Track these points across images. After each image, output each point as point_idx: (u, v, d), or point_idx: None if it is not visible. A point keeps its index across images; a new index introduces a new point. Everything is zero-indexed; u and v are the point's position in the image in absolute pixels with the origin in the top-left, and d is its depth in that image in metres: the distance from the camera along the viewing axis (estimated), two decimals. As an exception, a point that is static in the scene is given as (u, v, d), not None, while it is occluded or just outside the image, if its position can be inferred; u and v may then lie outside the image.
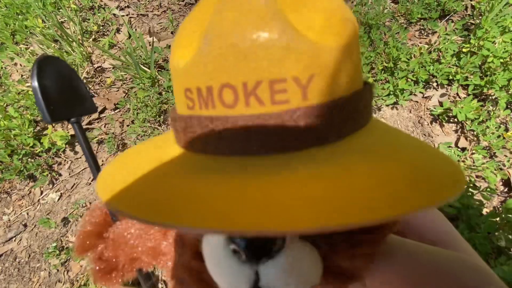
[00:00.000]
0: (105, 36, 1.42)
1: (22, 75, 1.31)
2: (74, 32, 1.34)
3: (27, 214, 0.91)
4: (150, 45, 1.29)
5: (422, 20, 1.12)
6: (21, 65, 1.36)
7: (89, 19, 1.44)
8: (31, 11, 1.48)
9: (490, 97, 0.88)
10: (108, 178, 0.17)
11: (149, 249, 0.29)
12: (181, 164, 0.16)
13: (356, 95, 0.16)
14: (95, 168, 0.38)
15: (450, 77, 0.91)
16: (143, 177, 0.15)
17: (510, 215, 0.66)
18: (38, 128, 1.05)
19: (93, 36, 1.39)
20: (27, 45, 1.46)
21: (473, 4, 1.09)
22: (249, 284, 0.16)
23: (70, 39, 1.27)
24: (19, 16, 1.51)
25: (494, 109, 0.83)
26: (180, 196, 0.13)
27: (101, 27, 1.44)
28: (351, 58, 0.16)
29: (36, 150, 0.96)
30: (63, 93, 0.32)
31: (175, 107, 0.19)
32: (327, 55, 0.14)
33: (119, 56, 1.17)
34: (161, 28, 1.42)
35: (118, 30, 1.44)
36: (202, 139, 0.15)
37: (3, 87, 1.25)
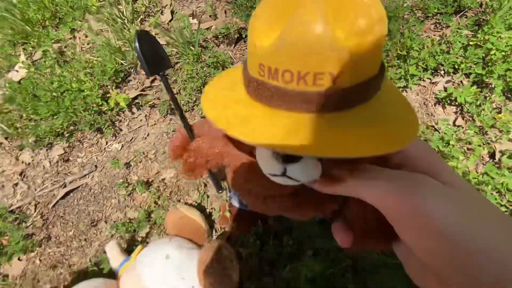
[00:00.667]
0: (150, 17, 1.61)
1: (81, 48, 1.53)
2: (126, 11, 1.53)
3: (96, 158, 1.14)
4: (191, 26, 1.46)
5: (438, 15, 1.23)
6: (79, 38, 1.58)
7: (137, 0, 1.62)
8: (87, -10, 1.68)
9: (490, 86, 1.01)
10: (211, 100, 0.26)
11: (217, 154, 0.43)
12: (254, 106, 0.24)
13: (372, 79, 0.22)
14: (179, 108, 0.50)
15: (456, 66, 1.05)
16: (231, 106, 0.25)
17: (489, 177, 0.82)
18: (101, 91, 1.26)
19: (141, 16, 1.58)
20: (81, 21, 1.67)
21: (486, 1, 1.20)
22: (281, 172, 0.26)
23: (123, 17, 1.46)
24: (77, -5, 1.70)
25: (490, 95, 0.97)
26: (260, 127, 0.22)
27: (147, 8, 1.63)
28: (377, 55, 0.22)
29: (103, 108, 1.18)
30: (154, 55, 0.45)
31: (247, 65, 0.25)
32: (358, 58, 0.20)
33: (170, 33, 1.36)
34: (200, 12, 1.59)
35: (161, 12, 1.62)
36: (268, 97, 0.22)
37: (70, 56, 1.47)
